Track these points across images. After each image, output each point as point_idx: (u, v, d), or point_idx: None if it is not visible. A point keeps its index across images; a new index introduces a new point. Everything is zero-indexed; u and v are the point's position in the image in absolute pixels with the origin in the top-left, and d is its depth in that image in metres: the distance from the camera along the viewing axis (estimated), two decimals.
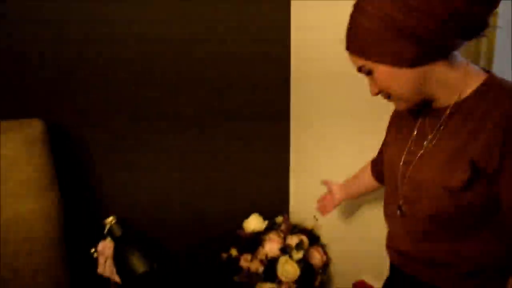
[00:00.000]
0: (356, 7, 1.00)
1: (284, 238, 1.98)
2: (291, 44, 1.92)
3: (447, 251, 1.10)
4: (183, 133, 1.90)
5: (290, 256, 1.90)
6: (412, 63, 0.97)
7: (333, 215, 2.04)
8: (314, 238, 2.04)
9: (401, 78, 1.00)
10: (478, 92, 1.01)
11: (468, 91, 1.02)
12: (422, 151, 1.10)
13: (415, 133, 1.15)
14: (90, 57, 1.69)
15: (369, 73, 1.03)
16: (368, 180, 1.56)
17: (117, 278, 1.38)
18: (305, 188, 2.11)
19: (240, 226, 2.06)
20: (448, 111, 1.05)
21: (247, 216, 2.08)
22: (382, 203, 1.29)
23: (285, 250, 1.94)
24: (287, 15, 1.88)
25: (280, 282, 1.91)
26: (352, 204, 1.97)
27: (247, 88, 1.93)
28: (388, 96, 1.07)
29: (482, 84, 1.01)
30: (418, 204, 1.10)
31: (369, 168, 1.56)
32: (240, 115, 1.97)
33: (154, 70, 1.78)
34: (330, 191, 1.73)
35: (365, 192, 1.62)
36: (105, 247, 1.39)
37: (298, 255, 1.89)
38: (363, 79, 1.10)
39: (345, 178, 1.71)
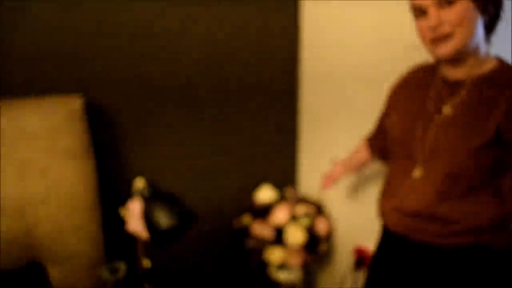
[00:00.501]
0: None
1: (292, 208, 2.19)
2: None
3: (456, 208, 1.26)
4: (202, 113, 2.14)
5: (298, 224, 2.11)
6: (487, 13, 1.19)
7: (337, 189, 2.23)
8: (320, 209, 2.24)
9: (472, 20, 1.17)
10: (494, 70, 1.23)
11: (485, 68, 1.24)
12: (441, 118, 1.26)
13: (430, 105, 1.30)
14: (125, 47, 1.92)
15: (449, 2, 1.15)
16: (366, 156, 1.71)
17: (144, 234, 1.60)
18: (313, 163, 2.31)
19: (251, 195, 2.28)
20: (470, 82, 1.24)
21: (259, 187, 2.30)
22: (382, 180, 1.46)
23: (293, 218, 2.15)
24: (296, 15, 2.10)
25: (288, 247, 2.13)
26: (354, 179, 2.15)
27: (257, 70, 2.15)
28: (441, 34, 1.18)
29: (497, 64, 1.24)
30: (437, 164, 1.25)
31: (364, 149, 1.72)
32: (253, 98, 2.20)
33: (178, 63, 2.02)
34: (334, 169, 1.88)
35: (361, 168, 1.79)
36: (135, 206, 1.61)
37: (305, 222, 2.10)
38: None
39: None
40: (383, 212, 1.43)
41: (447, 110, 1.26)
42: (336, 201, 2.25)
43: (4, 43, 1.76)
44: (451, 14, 1.16)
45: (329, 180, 1.88)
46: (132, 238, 1.70)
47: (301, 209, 2.17)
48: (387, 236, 1.48)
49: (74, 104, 1.72)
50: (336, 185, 2.20)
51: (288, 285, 2.27)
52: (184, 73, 2.04)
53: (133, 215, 1.60)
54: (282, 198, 2.25)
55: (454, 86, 1.27)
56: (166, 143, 2.12)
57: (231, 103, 2.17)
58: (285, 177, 2.44)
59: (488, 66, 1.25)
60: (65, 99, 1.74)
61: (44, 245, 1.73)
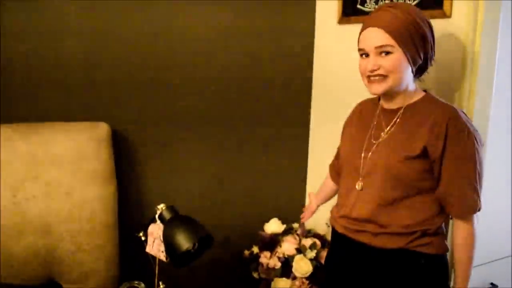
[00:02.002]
0: (391, 6, 1.42)
1: (300, 240, 2.27)
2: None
3: (390, 214, 1.47)
4: (221, 146, 2.29)
5: (304, 255, 2.19)
6: (415, 64, 1.44)
7: None
8: (325, 242, 2.32)
9: (402, 69, 1.42)
10: (422, 100, 1.49)
11: (415, 99, 1.49)
12: (380, 140, 1.50)
13: (372, 129, 1.54)
14: (148, 79, 2.06)
15: (386, 53, 1.40)
16: (329, 184, 1.91)
17: (162, 256, 1.68)
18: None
19: (261, 228, 2.37)
20: (402, 110, 1.49)
21: (268, 220, 2.38)
22: None
23: (300, 250, 2.22)
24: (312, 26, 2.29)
25: (294, 278, 2.20)
26: None
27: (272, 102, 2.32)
28: (378, 76, 1.43)
29: (424, 96, 1.50)
30: (374, 177, 1.48)
31: (328, 176, 1.91)
32: (269, 138, 2.38)
33: (197, 95, 2.19)
34: (310, 201, 2.02)
35: (330, 195, 1.94)
36: (155, 229, 1.69)
37: (311, 254, 2.18)
38: None
39: None
40: (334, 219, 1.67)
41: (384, 135, 1.51)
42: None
43: (35, 70, 1.88)
44: (387, 62, 1.41)
45: (307, 211, 2.03)
46: (147, 261, 1.77)
47: (307, 242, 2.25)
48: (336, 238, 1.68)
49: (101, 130, 1.84)
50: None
51: None
52: (204, 105, 2.18)
53: (153, 237, 1.69)
54: (289, 231, 2.34)
55: (390, 114, 1.52)
56: (184, 172, 2.23)
57: (248, 140, 2.33)
58: (293, 212, 2.54)
59: (417, 97, 1.49)
60: (92, 125, 1.85)
61: (63, 262, 1.81)
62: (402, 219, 1.46)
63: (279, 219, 2.38)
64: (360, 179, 1.53)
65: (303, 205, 2.59)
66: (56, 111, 1.92)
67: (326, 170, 2.42)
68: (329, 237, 2.37)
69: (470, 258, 1.47)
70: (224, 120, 2.27)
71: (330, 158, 2.36)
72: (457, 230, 1.47)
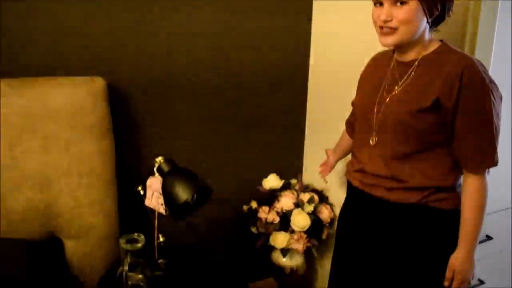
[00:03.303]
0: None
1: (298, 195, 2.29)
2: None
3: (405, 169, 1.46)
4: (220, 105, 2.28)
5: (302, 209, 2.21)
6: (431, 15, 1.38)
7: (340, 181, 2.33)
8: (323, 198, 2.34)
9: (418, 19, 1.36)
10: (437, 51, 1.44)
11: (430, 50, 1.44)
12: (393, 93, 1.47)
13: (386, 83, 1.51)
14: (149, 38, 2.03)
15: (402, 2, 1.34)
16: (346, 139, 1.90)
17: (161, 209, 1.68)
18: (317, 155, 2.40)
19: (259, 184, 2.38)
20: (416, 63, 1.45)
21: (266, 176, 2.39)
22: None
23: (298, 204, 2.24)
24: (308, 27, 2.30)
25: (292, 232, 2.22)
26: None
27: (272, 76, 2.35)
28: (389, 28, 1.39)
29: (440, 46, 1.44)
30: (387, 131, 1.47)
31: (344, 132, 1.90)
32: (267, 98, 2.40)
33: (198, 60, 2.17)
34: (327, 157, 2.05)
35: (347, 150, 1.93)
36: (154, 182, 1.69)
37: (309, 208, 2.20)
38: None
39: None
40: (349, 173, 1.69)
41: (397, 88, 1.47)
42: (339, 190, 2.35)
43: (29, 26, 1.84)
44: (401, 12, 1.35)
45: (325, 167, 2.04)
46: (146, 215, 1.78)
47: (305, 197, 2.27)
48: (351, 192, 1.70)
49: (97, 84, 1.81)
50: (339, 176, 2.30)
51: (291, 269, 2.36)
52: (204, 66, 2.19)
53: (152, 190, 1.69)
54: (287, 187, 2.35)
55: (404, 67, 1.48)
56: (182, 127, 2.23)
57: (247, 95, 2.34)
58: (291, 169, 2.55)
59: (432, 48, 1.45)
60: (88, 80, 1.82)
61: (63, 217, 1.81)
62: (416, 174, 1.45)
63: (277, 175, 2.39)
64: (374, 134, 1.52)
65: (300, 161, 2.61)
66: (51, 65, 1.89)
67: (324, 127, 2.43)
68: (326, 193, 2.39)
69: (477, 216, 1.44)
70: (228, 87, 2.28)
71: (328, 114, 2.37)
72: (466, 184, 1.45)
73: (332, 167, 2.03)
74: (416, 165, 1.45)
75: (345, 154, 1.98)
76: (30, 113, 1.71)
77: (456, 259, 1.47)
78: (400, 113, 1.43)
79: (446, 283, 1.49)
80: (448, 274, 1.49)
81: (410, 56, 1.46)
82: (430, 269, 1.51)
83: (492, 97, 1.35)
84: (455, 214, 1.47)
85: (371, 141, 1.53)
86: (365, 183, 1.58)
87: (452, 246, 1.48)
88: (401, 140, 1.45)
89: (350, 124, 1.83)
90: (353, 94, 1.77)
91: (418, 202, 1.46)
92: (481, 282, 2.16)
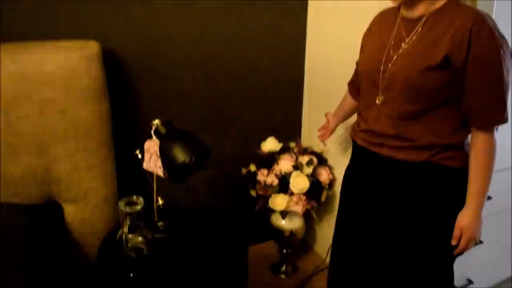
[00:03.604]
0: None
1: (296, 158, 2.28)
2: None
3: (413, 128, 1.44)
4: (215, 69, 2.25)
5: (301, 172, 2.21)
6: None
7: (339, 143, 2.33)
8: (322, 160, 2.34)
9: None
10: (445, 6, 1.38)
11: (438, 5, 1.39)
12: (400, 51, 1.44)
13: (392, 40, 1.48)
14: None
15: None
16: (349, 101, 1.87)
17: (160, 172, 1.68)
18: (316, 118, 2.39)
19: (258, 147, 2.37)
20: (424, 19, 1.40)
21: (264, 139, 2.38)
22: None
23: (296, 167, 2.24)
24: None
25: (292, 194, 2.23)
26: None
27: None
28: None
29: (448, 1, 1.39)
30: (394, 89, 1.44)
31: (347, 94, 1.88)
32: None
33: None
34: (327, 120, 2.03)
35: (349, 112, 1.92)
36: (151, 145, 1.68)
37: (308, 169, 2.19)
38: None
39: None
40: (355, 132, 1.66)
41: (404, 46, 1.44)
42: (338, 153, 2.35)
43: None
44: None
45: (325, 131, 2.02)
46: (145, 179, 1.78)
47: (304, 159, 2.26)
48: (356, 152, 1.69)
49: (91, 48, 1.78)
50: (338, 139, 2.30)
51: (290, 232, 2.38)
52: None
53: (150, 153, 1.68)
54: (286, 149, 2.34)
55: (411, 23, 1.44)
56: (178, 89, 2.20)
57: (244, 62, 2.33)
58: (290, 132, 2.54)
59: (440, 3, 1.40)
60: (82, 44, 1.79)
61: (61, 182, 1.81)
62: (424, 133, 1.43)
63: (276, 138, 2.38)
64: (380, 93, 1.49)
65: (299, 124, 2.60)
66: (45, 30, 1.86)
67: (323, 85, 2.41)
68: (325, 156, 2.39)
69: (485, 175, 1.42)
70: (222, 42, 2.23)
71: (328, 72, 2.34)
72: (475, 142, 1.42)
73: (332, 131, 2.02)
74: (424, 123, 1.43)
75: (347, 117, 1.96)
76: (24, 78, 1.69)
77: (464, 217, 1.47)
78: (408, 71, 1.39)
79: (453, 242, 1.49)
80: (456, 232, 1.48)
81: (418, 12, 1.42)
82: (437, 227, 1.51)
83: (502, 52, 1.31)
84: (462, 172, 1.45)
85: (377, 101, 1.50)
86: (371, 142, 1.56)
87: (460, 205, 1.47)
88: (408, 99, 1.42)
89: (353, 85, 1.80)
90: (353, 58, 1.75)
91: (426, 160, 1.45)
92: (479, 242, 2.18)
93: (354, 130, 1.67)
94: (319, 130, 2.05)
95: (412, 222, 1.53)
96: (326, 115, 2.02)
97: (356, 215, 1.70)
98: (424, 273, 1.59)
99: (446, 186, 1.48)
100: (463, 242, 1.49)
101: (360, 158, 1.66)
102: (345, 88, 1.90)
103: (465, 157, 1.46)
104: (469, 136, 1.46)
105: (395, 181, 1.53)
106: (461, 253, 1.54)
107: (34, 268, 1.45)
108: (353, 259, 1.78)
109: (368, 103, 1.56)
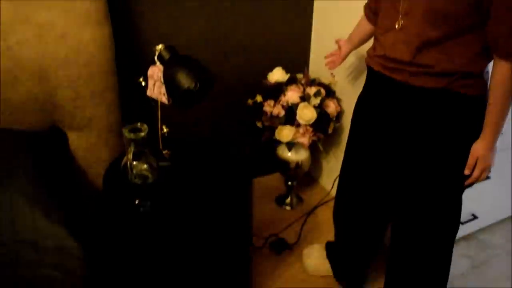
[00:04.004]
0: None
1: (304, 89, 2.23)
2: None
3: (432, 55, 1.38)
4: None
5: (308, 103, 2.16)
6: None
7: (347, 75, 2.26)
8: (330, 92, 2.29)
9: None
10: None
11: None
12: None
13: None
14: None
15: None
16: (364, 25, 1.78)
17: (164, 99, 1.64)
18: (325, 48, 2.32)
19: (265, 78, 2.32)
20: None
21: (271, 69, 2.32)
22: None
23: (304, 98, 2.19)
24: None
25: (298, 125, 2.20)
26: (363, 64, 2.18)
27: None
28: None
29: None
30: (415, 14, 1.37)
31: (362, 20, 1.78)
32: None
33: None
34: (339, 47, 1.94)
35: (364, 38, 1.83)
36: (155, 71, 1.64)
37: (316, 101, 2.15)
38: None
39: None
40: (370, 57, 1.60)
41: None
42: (346, 85, 2.29)
43: None
44: None
45: (335, 58, 1.94)
46: (149, 107, 1.74)
47: (311, 90, 2.21)
48: (371, 77, 1.64)
49: None
50: (347, 69, 2.23)
51: (296, 164, 2.37)
52: None
53: (154, 80, 1.64)
54: (293, 80, 2.29)
55: None
56: (183, 13, 2.12)
57: None
58: (297, 62, 2.47)
59: None
60: None
61: (64, 109, 1.78)
62: (443, 60, 1.37)
63: (283, 68, 2.32)
64: (400, 17, 1.41)
65: (307, 55, 2.53)
66: None
67: (333, 17, 2.32)
68: (334, 87, 2.33)
69: (504, 104, 1.37)
70: None
71: (337, 3, 2.25)
72: (496, 71, 1.35)
73: (344, 58, 1.93)
74: (443, 51, 1.36)
75: (361, 43, 1.88)
76: (20, 1, 1.62)
77: (479, 147, 1.43)
78: None
79: (467, 171, 1.47)
80: (470, 161, 1.45)
81: None
82: (450, 156, 1.48)
83: None
84: (480, 101, 1.41)
85: (396, 25, 1.42)
86: (387, 67, 1.50)
87: (474, 134, 1.44)
88: (430, 24, 1.34)
89: (370, 8, 1.71)
90: None
91: (444, 87, 1.40)
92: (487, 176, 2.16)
93: (370, 55, 1.61)
94: (327, 57, 1.98)
95: (424, 150, 1.51)
96: (337, 41, 1.94)
97: (367, 143, 1.68)
98: (432, 202, 1.58)
99: (462, 114, 1.44)
100: (476, 172, 1.46)
101: (375, 84, 1.61)
102: (355, 16, 1.82)
103: (484, 86, 1.41)
104: (490, 66, 1.39)
105: (410, 108, 1.49)
106: (471, 184, 1.52)
107: (38, 193, 1.45)
108: (361, 188, 1.77)
109: (386, 27, 1.48)
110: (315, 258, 2.09)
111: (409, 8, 1.38)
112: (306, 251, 2.14)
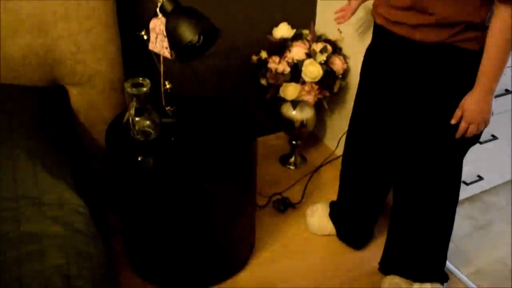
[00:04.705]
0: None
1: (309, 46, 2.18)
2: None
3: (435, 2, 1.32)
4: None
5: (314, 59, 2.11)
6: None
7: (355, 31, 2.20)
8: (336, 48, 2.23)
9: None
10: None
11: None
12: None
13: None
14: None
15: None
16: None
17: (166, 53, 1.60)
18: (331, 3, 2.25)
19: (270, 33, 2.26)
20: None
21: (276, 24, 2.26)
22: None
23: (309, 55, 2.14)
24: None
25: (303, 83, 2.15)
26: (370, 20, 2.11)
27: None
28: None
29: None
30: None
31: None
32: None
33: None
34: (349, 1, 1.87)
35: None
36: (157, 24, 1.58)
37: (322, 57, 2.10)
38: None
39: None
40: (375, 9, 1.56)
41: None
42: (353, 42, 2.23)
43: None
44: None
45: (345, 12, 1.87)
46: (152, 62, 1.70)
47: (317, 46, 2.16)
48: (376, 31, 1.61)
49: None
50: (354, 25, 2.17)
51: (301, 122, 2.33)
52: None
53: (156, 33, 1.59)
54: (299, 36, 2.23)
55: None
56: None
57: None
58: (303, 18, 2.40)
59: None
60: None
61: (65, 63, 1.74)
62: (446, 5, 1.31)
63: (289, 24, 2.25)
64: None
65: (313, 11, 2.45)
66: None
67: None
68: (340, 44, 2.28)
69: (500, 56, 1.31)
70: None
71: None
72: (496, 19, 1.28)
73: (353, 11, 1.86)
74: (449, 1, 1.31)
75: None
76: None
77: (468, 98, 1.40)
78: None
79: (453, 121, 1.44)
80: (457, 112, 1.43)
81: None
82: (449, 111, 1.45)
83: None
84: (481, 56, 1.36)
85: None
86: (389, 20, 1.47)
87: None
88: None
89: None
90: None
91: (444, 41, 1.36)
92: (494, 137, 2.13)
93: (374, 5, 1.57)
94: (337, 12, 1.91)
95: (425, 106, 1.49)
96: None
97: (373, 99, 1.66)
98: (433, 160, 1.58)
99: (463, 69, 1.40)
100: (463, 124, 1.43)
101: (378, 37, 1.59)
102: None
103: (485, 39, 1.35)
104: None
105: (410, 63, 1.47)
106: (466, 140, 1.49)
107: (39, 148, 1.42)
108: (368, 146, 1.77)
109: None
110: (318, 217, 2.08)
111: None
112: (309, 210, 2.13)
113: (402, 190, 1.74)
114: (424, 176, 1.62)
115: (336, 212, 2.04)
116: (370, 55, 1.67)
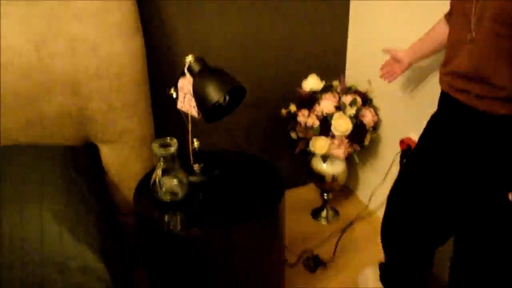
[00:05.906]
0: None
1: (339, 98, 2.16)
2: None
3: (504, 72, 1.26)
4: (253, 3, 2.09)
5: (344, 113, 2.09)
6: None
7: (385, 82, 2.17)
8: (367, 100, 2.20)
9: None
10: None
11: None
12: None
13: None
14: None
15: None
16: (440, 30, 1.63)
17: (194, 112, 1.60)
18: (362, 54, 2.24)
19: (299, 86, 2.25)
20: None
21: (306, 76, 2.26)
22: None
23: (339, 107, 2.12)
24: None
25: (333, 136, 2.12)
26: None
27: None
28: None
29: None
30: (485, 24, 1.25)
31: (441, 22, 1.64)
32: None
33: None
34: (395, 58, 1.83)
35: (438, 48, 1.69)
36: (185, 83, 1.60)
37: (351, 111, 2.07)
38: None
39: (400, 46, 1.82)
40: (440, 77, 1.50)
41: None
42: (384, 92, 2.20)
43: None
44: None
45: (394, 70, 1.83)
46: (180, 119, 1.71)
47: (347, 99, 2.14)
48: (441, 98, 1.54)
49: None
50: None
51: (332, 176, 2.29)
52: None
53: (184, 92, 1.60)
54: (328, 88, 2.22)
55: None
56: (215, 24, 2.09)
57: None
58: (332, 69, 2.40)
59: None
60: None
61: (96, 122, 1.77)
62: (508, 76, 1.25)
63: (318, 76, 2.25)
64: (472, 27, 1.30)
65: (343, 61, 2.45)
66: None
67: (370, 20, 2.21)
68: (370, 95, 2.25)
69: None
70: None
71: (374, 7, 2.16)
72: None
73: (405, 69, 1.82)
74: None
75: (431, 51, 1.73)
76: (53, 14, 1.61)
77: None
78: (501, 2, 1.20)
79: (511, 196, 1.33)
80: None
81: None
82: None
83: None
84: None
85: (468, 37, 1.32)
86: (454, 87, 1.41)
87: None
88: (502, 34, 1.23)
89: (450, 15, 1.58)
90: None
91: (508, 114, 1.29)
92: None
93: (440, 72, 1.50)
94: (382, 68, 1.87)
95: (489, 174, 1.39)
96: (389, 51, 1.82)
97: (434, 163, 1.56)
98: (497, 221, 1.44)
99: None
100: None
101: (444, 104, 1.52)
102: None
103: None
104: None
105: (477, 133, 1.38)
106: None
107: (67, 211, 1.43)
108: (420, 207, 1.64)
109: (458, 39, 1.38)
110: (372, 283, 1.95)
111: (480, 16, 1.27)
112: (360, 278, 2.02)
113: (462, 246, 1.59)
114: (487, 233, 1.47)
115: (387, 276, 1.91)
116: (434, 121, 1.60)
